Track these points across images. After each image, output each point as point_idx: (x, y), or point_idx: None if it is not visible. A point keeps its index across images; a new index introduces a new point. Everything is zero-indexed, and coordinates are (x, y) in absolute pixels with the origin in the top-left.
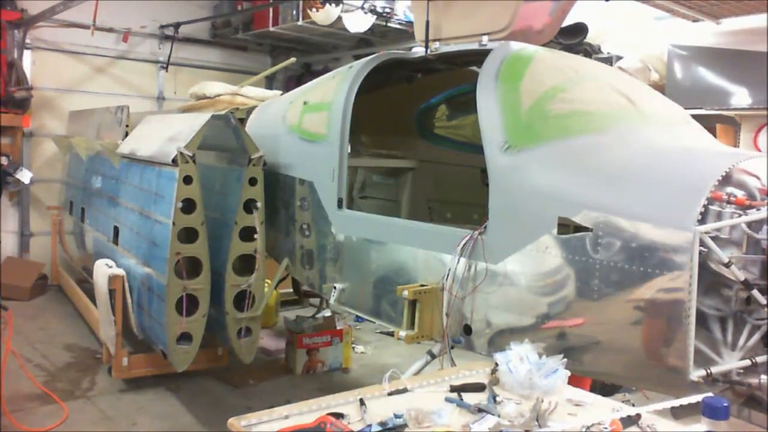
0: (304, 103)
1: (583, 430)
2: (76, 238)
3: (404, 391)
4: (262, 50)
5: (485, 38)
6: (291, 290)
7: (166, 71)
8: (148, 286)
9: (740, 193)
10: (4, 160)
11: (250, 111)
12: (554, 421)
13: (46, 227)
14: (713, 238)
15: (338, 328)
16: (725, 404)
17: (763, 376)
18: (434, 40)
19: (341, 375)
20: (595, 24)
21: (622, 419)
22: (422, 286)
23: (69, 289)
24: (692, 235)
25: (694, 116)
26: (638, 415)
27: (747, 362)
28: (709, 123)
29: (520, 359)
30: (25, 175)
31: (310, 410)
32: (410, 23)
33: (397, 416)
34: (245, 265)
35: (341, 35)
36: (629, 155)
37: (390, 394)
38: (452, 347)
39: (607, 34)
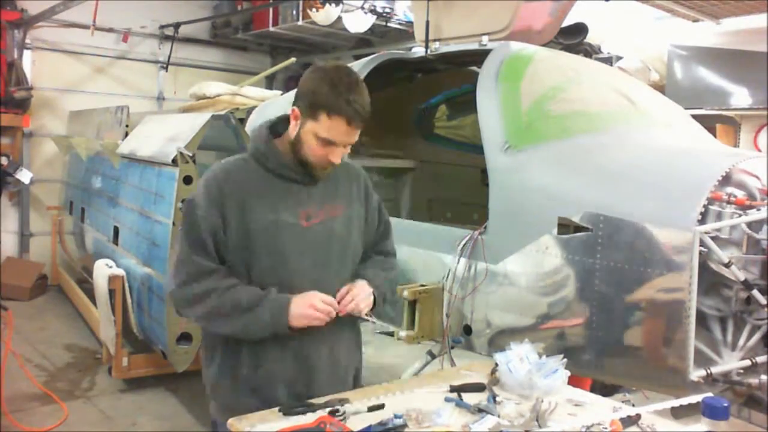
0: None
1: (583, 430)
2: (76, 238)
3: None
4: (262, 50)
5: (485, 38)
6: None
7: (166, 71)
8: (148, 286)
9: (740, 193)
10: (4, 160)
11: (250, 111)
12: (554, 421)
13: (46, 227)
14: (713, 238)
15: None
16: (725, 404)
17: (763, 376)
18: (434, 40)
19: None
20: (595, 24)
21: (622, 419)
22: (422, 286)
23: (69, 289)
24: (692, 235)
25: (694, 116)
26: (638, 415)
27: (747, 362)
28: (709, 123)
29: (520, 359)
30: (25, 175)
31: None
32: (410, 23)
33: (397, 416)
34: None
35: (341, 35)
36: (629, 155)
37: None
38: (452, 347)
39: (607, 34)
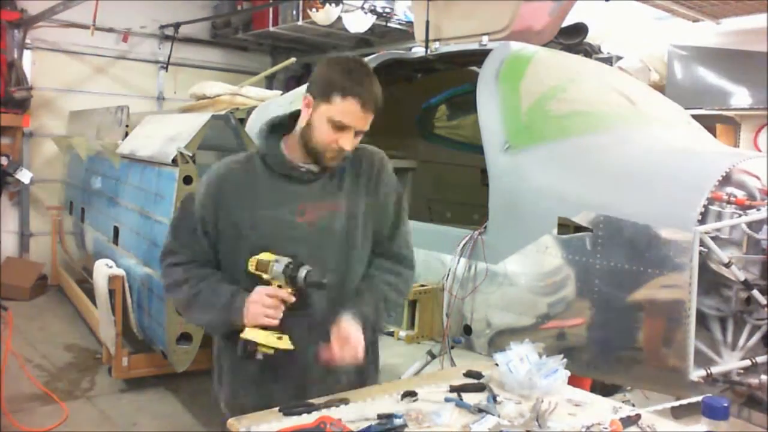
0: None
1: (583, 430)
2: (76, 238)
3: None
4: (262, 50)
5: (485, 38)
6: None
7: (166, 71)
8: (148, 286)
9: (740, 193)
10: (4, 160)
11: (250, 111)
12: (554, 421)
13: (46, 227)
14: (713, 238)
15: None
16: (725, 404)
17: (763, 376)
18: (434, 40)
19: None
20: (595, 24)
21: (622, 419)
22: (422, 286)
23: (69, 289)
24: (692, 235)
25: (694, 116)
26: (638, 415)
27: (747, 362)
28: (709, 123)
29: (520, 359)
30: (25, 175)
31: (309, 410)
32: (410, 23)
33: (397, 416)
34: None
35: (341, 35)
36: (629, 155)
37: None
38: (452, 347)
39: (607, 34)
